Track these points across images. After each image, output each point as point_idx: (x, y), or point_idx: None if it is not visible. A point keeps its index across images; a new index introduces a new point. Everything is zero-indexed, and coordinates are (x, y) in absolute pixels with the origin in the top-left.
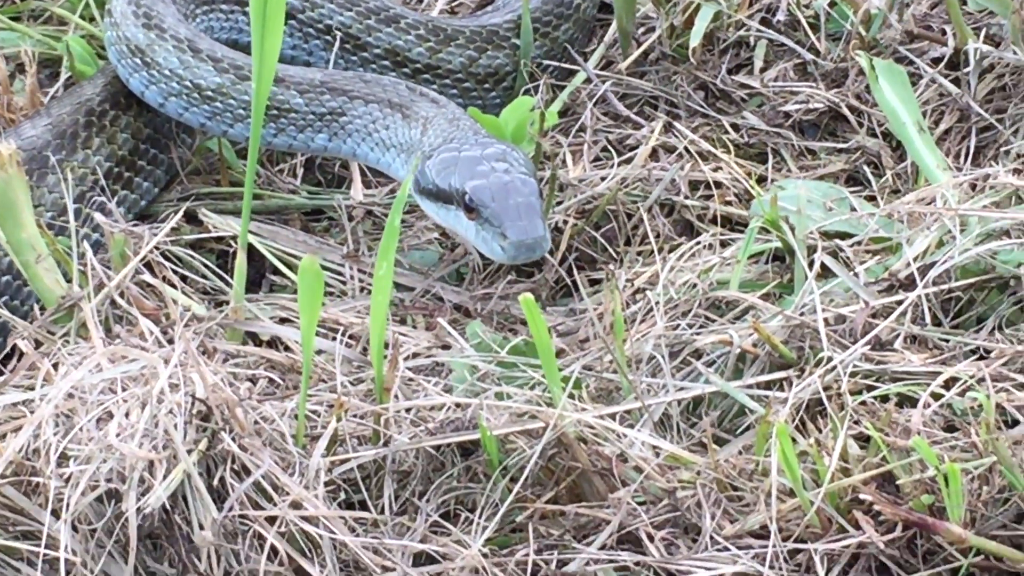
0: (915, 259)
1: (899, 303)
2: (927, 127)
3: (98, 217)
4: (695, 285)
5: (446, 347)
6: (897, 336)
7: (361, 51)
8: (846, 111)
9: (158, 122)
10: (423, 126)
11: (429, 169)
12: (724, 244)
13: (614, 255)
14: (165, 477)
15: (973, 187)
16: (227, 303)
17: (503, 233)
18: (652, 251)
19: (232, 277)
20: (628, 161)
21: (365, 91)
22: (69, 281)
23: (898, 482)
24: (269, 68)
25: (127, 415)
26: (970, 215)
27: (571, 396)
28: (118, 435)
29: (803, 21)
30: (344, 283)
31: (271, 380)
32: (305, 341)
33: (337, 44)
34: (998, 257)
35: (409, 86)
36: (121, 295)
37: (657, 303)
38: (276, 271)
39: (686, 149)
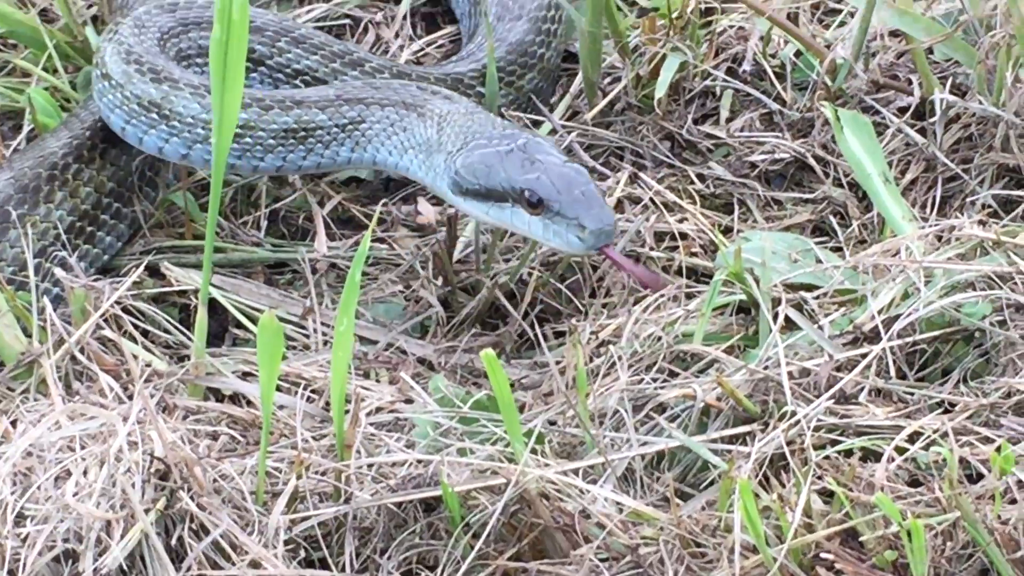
0: (880, 312)
1: (864, 356)
2: (893, 177)
3: (59, 272)
4: (659, 338)
5: (409, 401)
6: (861, 389)
7: None
8: (812, 161)
9: (121, 175)
10: (438, 123)
11: (467, 169)
12: (689, 296)
13: (579, 307)
14: (123, 537)
15: (939, 238)
16: (189, 357)
17: (580, 224)
18: (617, 303)
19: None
20: None
21: (379, 96)
22: (29, 336)
23: (862, 538)
24: (230, 121)
25: (85, 474)
26: (935, 267)
27: (534, 451)
28: (75, 494)
29: (769, 71)
30: (307, 336)
31: (232, 436)
32: (265, 398)
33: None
34: (963, 310)
35: (420, 86)
36: (81, 351)
37: (620, 357)
38: (239, 324)
39: (651, 200)
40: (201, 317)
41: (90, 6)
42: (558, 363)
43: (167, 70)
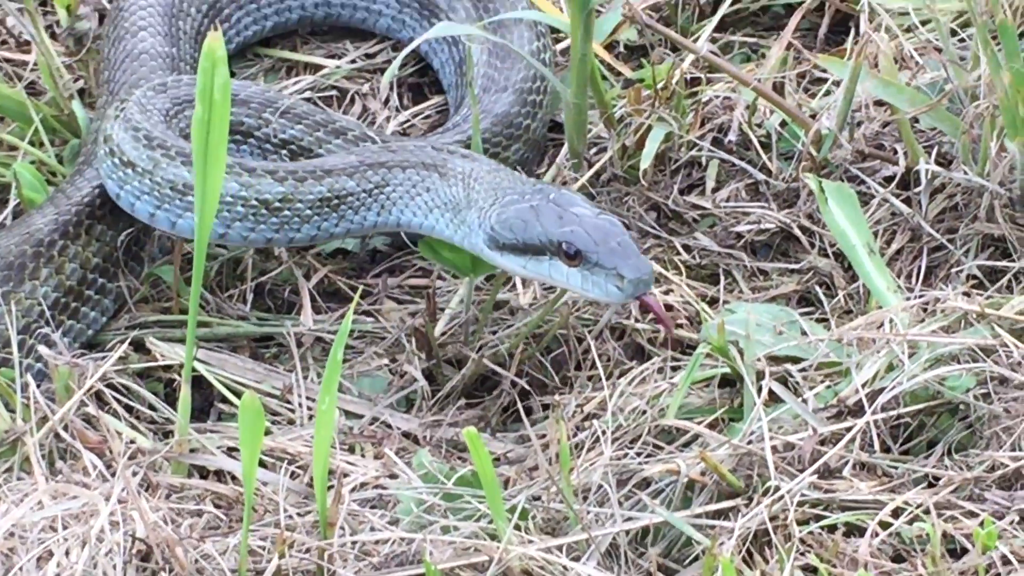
0: (864, 385)
1: (848, 430)
2: (878, 248)
3: (42, 350)
4: (644, 412)
5: (393, 477)
6: (846, 463)
7: None
8: (798, 232)
9: (107, 251)
10: (463, 182)
11: (503, 224)
12: (675, 368)
13: (565, 378)
14: None
15: (924, 309)
16: (174, 433)
17: (619, 274)
18: (604, 375)
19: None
20: None
21: (399, 159)
22: (13, 413)
23: None
24: (212, 202)
25: (67, 555)
26: (919, 340)
27: (518, 528)
28: None
29: (755, 140)
30: (292, 411)
31: (216, 515)
32: (247, 478)
33: (289, 157)
34: (947, 383)
35: (435, 146)
36: (65, 428)
37: (604, 431)
38: (224, 399)
39: None
40: (184, 395)
41: (76, 79)
42: (543, 436)
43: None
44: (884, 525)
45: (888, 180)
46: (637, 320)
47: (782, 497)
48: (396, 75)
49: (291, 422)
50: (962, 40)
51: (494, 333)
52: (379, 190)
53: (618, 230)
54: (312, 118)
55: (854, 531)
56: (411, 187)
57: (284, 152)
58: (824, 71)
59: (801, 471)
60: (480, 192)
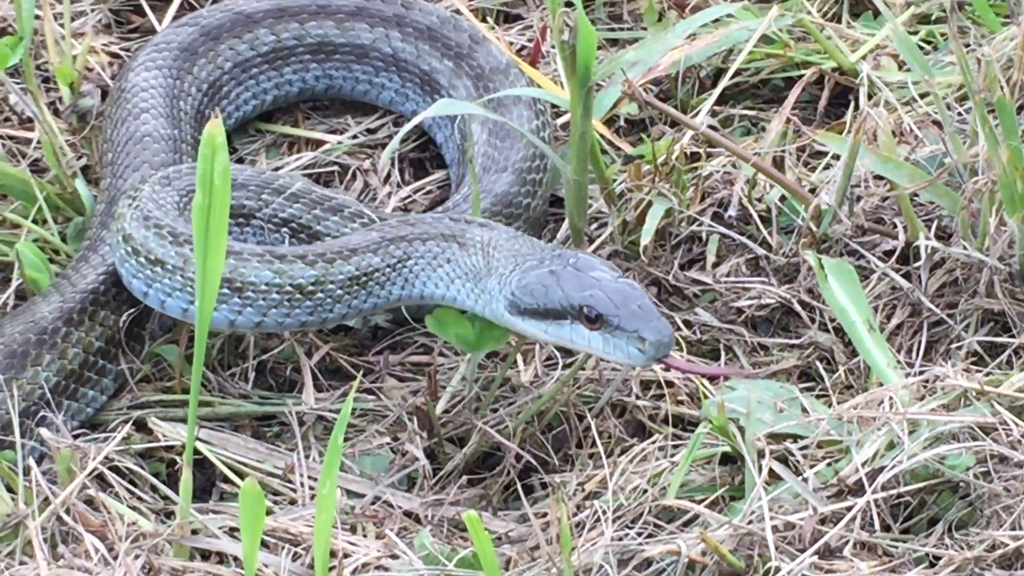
0: (864, 463)
1: (848, 509)
2: (878, 323)
3: (44, 433)
4: (645, 491)
5: (395, 557)
6: (846, 543)
7: (316, 239)
8: (798, 307)
9: (109, 334)
10: (483, 250)
11: (524, 290)
12: (676, 445)
13: (566, 457)
14: None
15: (925, 385)
16: (175, 515)
17: (640, 337)
18: (604, 453)
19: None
20: (583, 361)
21: (418, 232)
22: (14, 495)
23: None
24: (212, 285)
25: None
26: (919, 418)
27: None
28: None
29: (755, 215)
30: (294, 490)
31: None
32: (248, 564)
33: (289, 235)
34: (946, 461)
35: (452, 216)
36: (67, 511)
37: (605, 511)
38: (226, 479)
39: None
40: (186, 479)
41: (80, 157)
42: (544, 515)
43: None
44: None
45: (888, 254)
46: (638, 397)
47: None
48: (397, 151)
49: (293, 502)
50: (961, 114)
51: (495, 411)
52: (402, 264)
53: (638, 293)
54: (309, 196)
55: None
56: (432, 259)
57: (284, 230)
58: (824, 144)
59: (802, 551)
60: (500, 259)
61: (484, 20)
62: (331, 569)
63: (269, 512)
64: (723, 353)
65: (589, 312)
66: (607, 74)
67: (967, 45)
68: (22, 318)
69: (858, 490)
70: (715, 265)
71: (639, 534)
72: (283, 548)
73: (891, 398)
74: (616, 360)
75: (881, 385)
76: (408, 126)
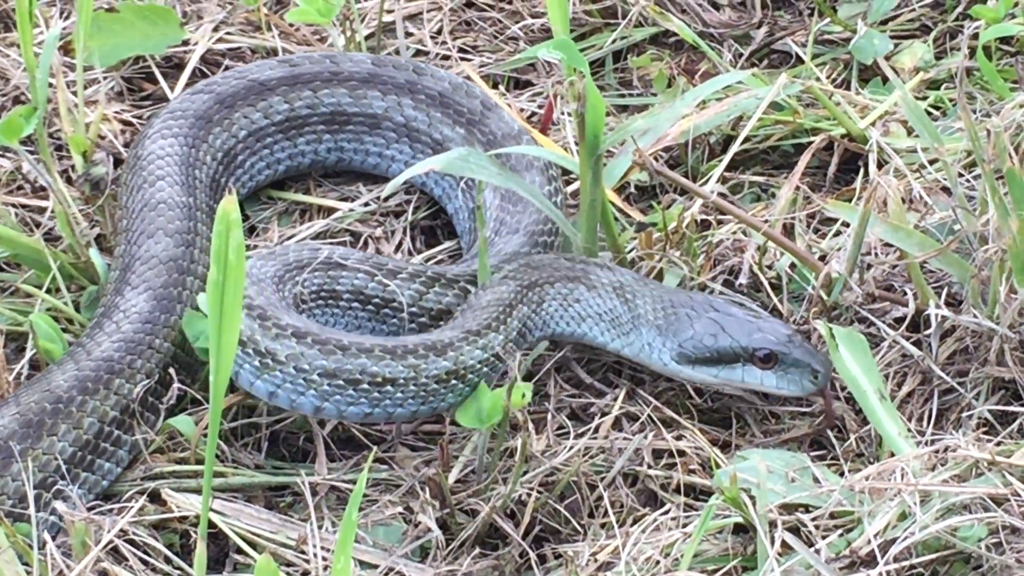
0: (876, 535)
1: None
2: (889, 391)
3: (58, 506)
4: (658, 562)
5: None
6: None
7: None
8: None
9: (124, 404)
10: (617, 294)
11: (694, 341)
12: (689, 515)
13: (578, 527)
14: None
15: (936, 453)
16: None
17: (813, 370)
18: (617, 523)
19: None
20: (595, 430)
21: (546, 275)
22: (29, 569)
23: None
24: (227, 360)
25: None
26: (930, 489)
27: None
28: None
29: (765, 283)
30: (307, 561)
31: None
32: None
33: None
34: (958, 533)
35: (570, 257)
36: None
37: None
38: (240, 550)
39: (649, 417)
40: (200, 552)
41: (93, 226)
42: None
43: (334, 337)
44: None
45: (898, 322)
46: (650, 466)
47: None
48: (411, 217)
49: (306, 573)
50: (971, 180)
51: (506, 481)
52: (539, 307)
53: (790, 329)
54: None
55: None
56: (562, 299)
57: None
58: (834, 212)
59: None
60: (646, 307)
61: (495, 87)
62: None
63: None
64: (734, 421)
65: (761, 353)
66: (617, 141)
67: (977, 111)
68: (37, 387)
69: (871, 561)
70: None
71: None
72: None
73: (903, 468)
74: (788, 393)
75: (892, 455)
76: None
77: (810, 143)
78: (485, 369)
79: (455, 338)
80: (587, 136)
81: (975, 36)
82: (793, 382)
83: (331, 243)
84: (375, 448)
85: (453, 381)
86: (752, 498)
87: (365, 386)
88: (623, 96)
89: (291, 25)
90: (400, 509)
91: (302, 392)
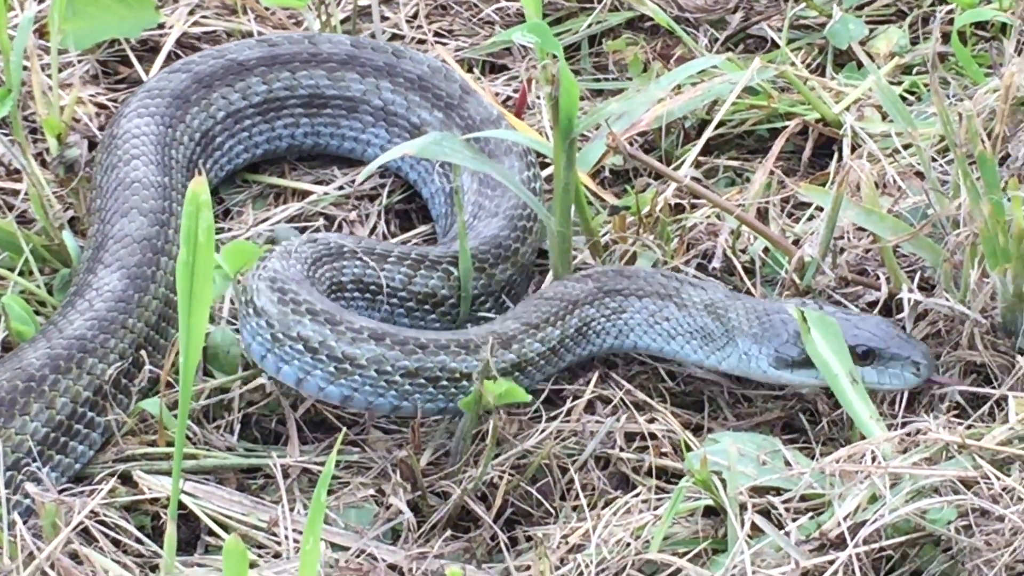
0: (846, 517)
1: (831, 563)
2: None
3: (29, 488)
4: (628, 544)
5: None
6: None
7: None
8: None
9: (97, 384)
10: (710, 311)
11: (787, 347)
12: (660, 498)
13: (550, 510)
14: None
15: (908, 435)
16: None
17: (913, 362)
18: (588, 505)
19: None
20: (567, 413)
21: (634, 287)
22: None
23: None
24: (196, 344)
25: None
26: (900, 472)
27: None
28: None
29: (739, 267)
30: (279, 543)
31: None
32: None
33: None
34: (928, 516)
35: (664, 273)
36: (52, 567)
37: (588, 565)
38: (211, 532)
39: (621, 400)
40: (170, 534)
41: (67, 209)
42: (527, 569)
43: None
44: None
45: (871, 306)
46: (622, 449)
47: None
48: (386, 201)
49: (277, 555)
50: (944, 166)
51: (477, 463)
52: (617, 315)
53: (885, 322)
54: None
55: None
56: (648, 315)
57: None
58: (808, 196)
59: None
60: (740, 319)
61: (470, 71)
62: None
63: (254, 565)
64: (707, 405)
65: (860, 350)
66: (591, 125)
67: (951, 96)
68: (9, 365)
69: (840, 544)
70: None
71: None
72: None
73: (873, 451)
74: (890, 388)
75: (864, 438)
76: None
77: (785, 128)
78: (542, 362)
79: (517, 331)
80: (561, 120)
81: (950, 21)
82: (895, 376)
83: (306, 225)
84: (344, 430)
85: (516, 374)
86: (723, 481)
87: (444, 383)
88: (598, 80)
89: (267, 9)
90: (372, 491)
91: (382, 393)
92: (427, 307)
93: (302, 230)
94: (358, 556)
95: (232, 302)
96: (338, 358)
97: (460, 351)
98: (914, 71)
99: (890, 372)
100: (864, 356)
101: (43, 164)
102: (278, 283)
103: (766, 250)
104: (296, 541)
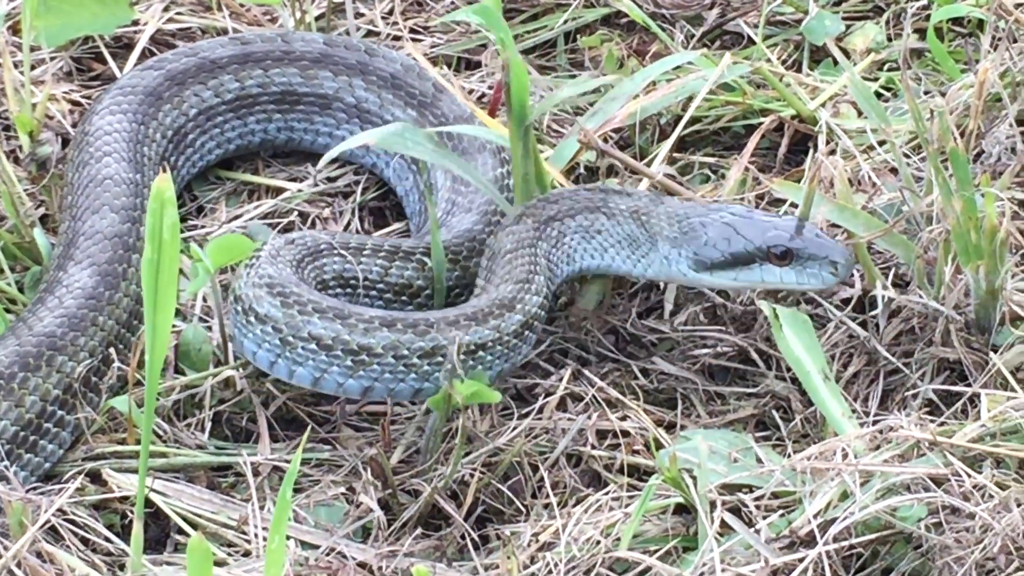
0: (816, 515)
1: (800, 560)
2: (834, 372)
3: None
4: (598, 542)
5: None
6: None
7: None
8: (755, 355)
9: (67, 382)
10: (635, 217)
11: (708, 246)
12: (632, 496)
13: (521, 508)
14: None
15: (880, 432)
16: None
17: (831, 261)
18: (559, 503)
19: None
20: (539, 410)
21: (565, 208)
22: None
23: None
24: (162, 340)
25: None
26: (871, 469)
27: None
28: None
29: None
30: (248, 541)
31: None
32: None
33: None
34: (898, 513)
35: (587, 188)
36: (18, 565)
37: (557, 563)
38: (181, 531)
39: (594, 398)
40: (136, 532)
41: (38, 206)
42: (496, 567)
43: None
44: None
45: (845, 302)
46: (594, 447)
47: None
48: (360, 199)
49: (247, 554)
50: (918, 162)
51: (447, 458)
52: (560, 240)
53: (809, 224)
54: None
55: None
56: (584, 231)
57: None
58: (781, 192)
59: None
60: (660, 224)
61: (447, 67)
62: None
63: (223, 564)
64: (680, 402)
65: (778, 250)
66: (545, 111)
67: (927, 92)
68: None
69: (810, 541)
70: (673, 314)
71: None
72: None
73: (844, 449)
74: (810, 288)
75: (835, 435)
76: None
77: (760, 124)
78: (542, 313)
79: (516, 291)
80: (513, 106)
81: (927, 17)
82: (813, 276)
83: (279, 222)
84: (311, 426)
85: (527, 333)
86: (693, 478)
87: (461, 357)
88: (574, 76)
89: (241, 5)
90: (342, 489)
91: (402, 379)
92: (404, 298)
93: (275, 227)
94: (328, 554)
95: (204, 299)
96: (354, 350)
97: (470, 323)
98: (889, 67)
99: (808, 272)
100: (782, 257)
101: (15, 161)
102: (277, 287)
103: None
104: (266, 539)
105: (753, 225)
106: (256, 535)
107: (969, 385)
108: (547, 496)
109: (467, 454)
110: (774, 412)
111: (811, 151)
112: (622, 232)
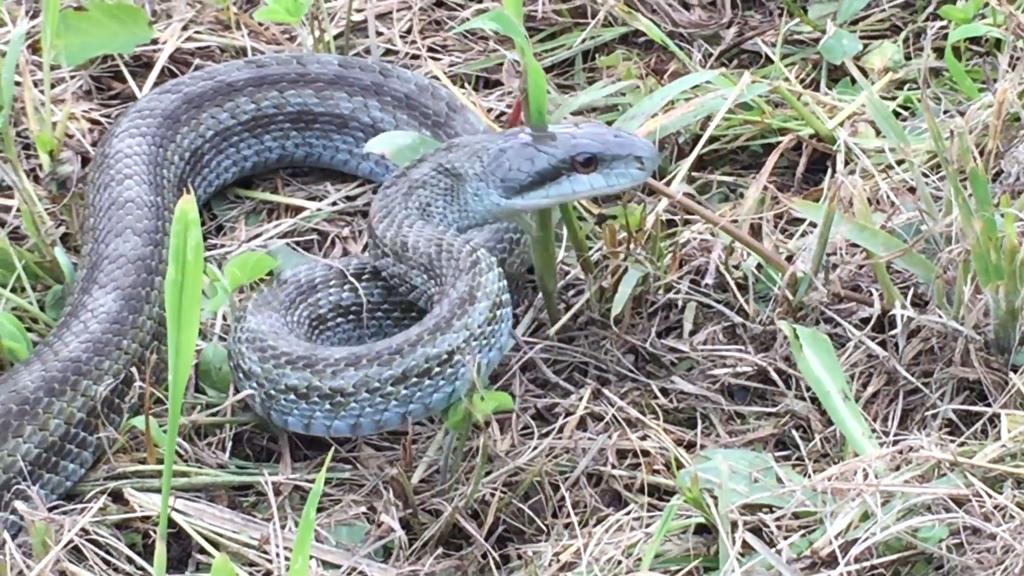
0: (837, 535)
1: None
2: (854, 392)
3: (19, 506)
4: (620, 562)
5: None
6: None
7: None
8: (774, 375)
9: (90, 406)
10: (442, 171)
11: (511, 171)
12: (652, 515)
13: (542, 528)
14: None
15: (901, 453)
16: None
17: (636, 157)
18: (580, 523)
19: None
20: (559, 430)
21: (406, 189)
22: None
23: None
24: (186, 361)
25: None
26: (892, 489)
27: None
28: None
29: (732, 283)
30: (270, 561)
31: None
32: None
33: None
34: (919, 534)
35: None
36: None
37: None
38: (203, 550)
39: (614, 417)
40: (160, 552)
41: (59, 225)
42: None
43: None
44: None
45: (864, 322)
46: (614, 466)
47: None
48: None
49: (268, 573)
50: (936, 182)
51: (468, 478)
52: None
53: (605, 128)
54: None
55: None
56: (425, 209)
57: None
58: (800, 212)
59: None
60: (464, 165)
61: (463, 86)
62: None
63: None
64: (700, 422)
65: (581, 158)
66: (562, 116)
67: (945, 111)
68: (3, 387)
69: (831, 562)
70: (692, 333)
71: None
72: None
73: (865, 469)
74: (622, 188)
75: (856, 455)
76: None
77: (779, 143)
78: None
79: (469, 280)
80: (532, 112)
81: (945, 37)
82: (621, 176)
83: (299, 241)
84: (334, 446)
85: (499, 312)
86: (714, 498)
87: (436, 370)
88: None
89: (260, 24)
90: (363, 509)
91: (384, 409)
92: (413, 314)
93: (295, 246)
94: (349, 574)
95: (224, 318)
96: (328, 394)
97: (435, 335)
98: (908, 86)
99: (616, 173)
100: (587, 164)
101: (36, 180)
102: (257, 342)
103: (759, 266)
104: (287, 559)
105: (552, 140)
106: (278, 555)
107: (989, 405)
108: (568, 516)
109: (488, 473)
110: (794, 432)
111: (829, 170)
112: (441, 190)
